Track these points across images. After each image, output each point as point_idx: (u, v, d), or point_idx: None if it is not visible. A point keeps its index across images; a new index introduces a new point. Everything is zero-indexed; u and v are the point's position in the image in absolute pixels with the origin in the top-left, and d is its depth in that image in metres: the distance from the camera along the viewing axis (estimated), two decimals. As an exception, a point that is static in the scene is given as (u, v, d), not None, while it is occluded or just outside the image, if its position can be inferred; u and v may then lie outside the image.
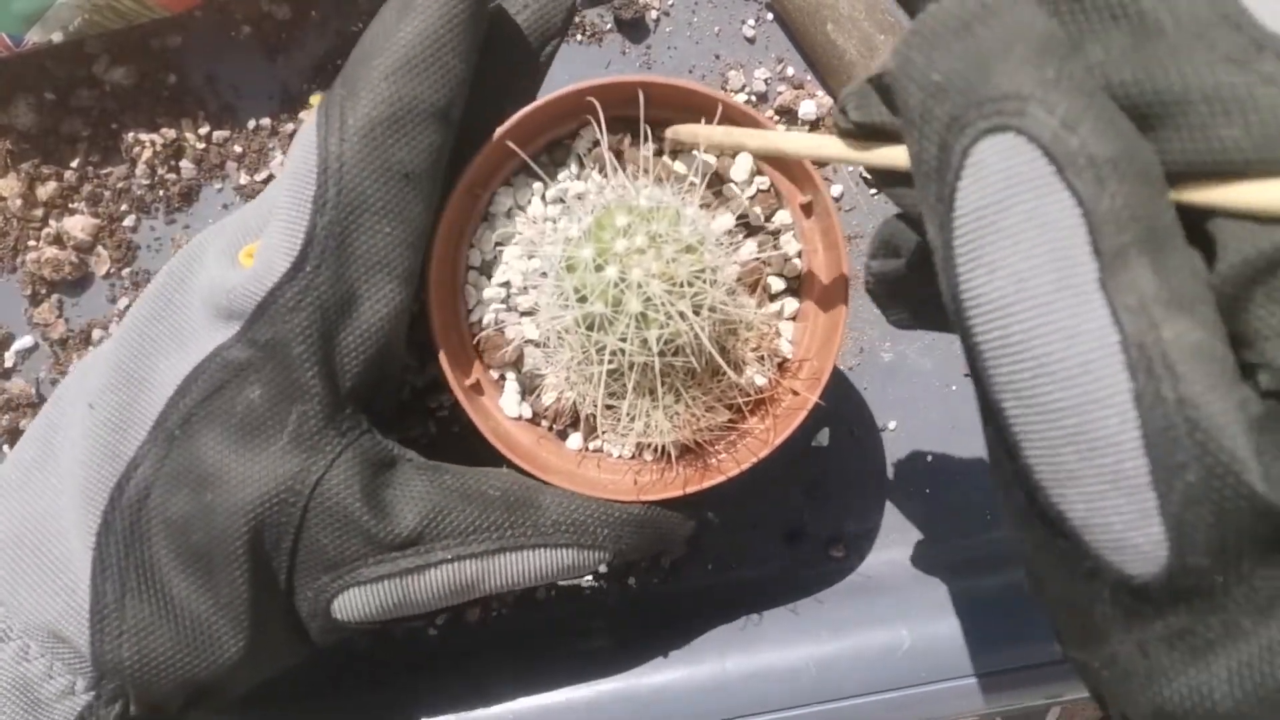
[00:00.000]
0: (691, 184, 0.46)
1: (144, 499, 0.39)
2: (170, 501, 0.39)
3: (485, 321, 0.48)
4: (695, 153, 0.47)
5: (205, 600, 0.40)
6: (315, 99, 0.42)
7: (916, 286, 0.36)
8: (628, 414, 0.44)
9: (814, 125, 0.56)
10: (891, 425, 0.57)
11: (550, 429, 0.49)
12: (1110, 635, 0.26)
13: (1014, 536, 0.28)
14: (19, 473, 0.42)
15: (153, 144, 0.55)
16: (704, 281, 0.41)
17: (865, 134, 0.33)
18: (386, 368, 0.43)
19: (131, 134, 0.55)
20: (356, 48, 0.41)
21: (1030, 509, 0.26)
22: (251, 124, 0.55)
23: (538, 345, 0.47)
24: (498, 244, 0.48)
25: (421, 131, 0.40)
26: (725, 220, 0.47)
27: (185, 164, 0.55)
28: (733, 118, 0.46)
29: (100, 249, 0.55)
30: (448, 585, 0.43)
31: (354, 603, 0.42)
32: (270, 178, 0.55)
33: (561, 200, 0.47)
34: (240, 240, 0.42)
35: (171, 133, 0.55)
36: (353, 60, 0.41)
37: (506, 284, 0.48)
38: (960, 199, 0.25)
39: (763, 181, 0.48)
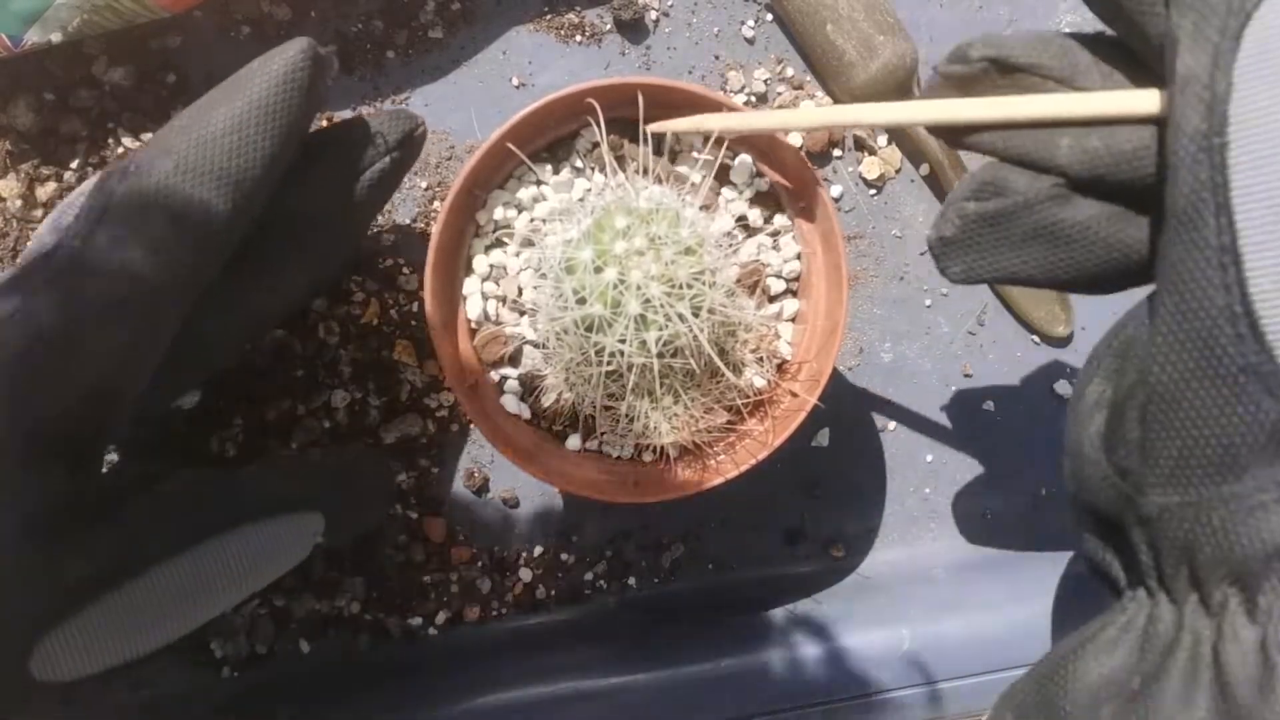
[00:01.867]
0: (692, 185, 0.46)
1: None
2: None
3: (484, 322, 0.48)
4: (695, 154, 0.47)
5: None
6: None
7: (1024, 220, 0.35)
8: (626, 415, 0.44)
9: (814, 125, 0.56)
10: (891, 426, 0.57)
11: (549, 430, 0.49)
12: (1251, 467, 0.26)
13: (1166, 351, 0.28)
14: None
15: (152, 144, 0.55)
16: (703, 283, 0.41)
17: (971, 80, 0.33)
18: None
19: (131, 134, 0.55)
20: (171, 129, 0.40)
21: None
22: (251, 124, 0.55)
23: (537, 346, 0.47)
24: (497, 245, 0.48)
25: (204, 193, 0.38)
26: (725, 222, 0.47)
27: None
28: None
29: (100, 249, 0.55)
30: (166, 591, 0.38)
31: (57, 652, 0.36)
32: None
33: (560, 201, 0.47)
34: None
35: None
36: (164, 136, 0.39)
37: (505, 284, 0.48)
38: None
39: (762, 183, 0.48)
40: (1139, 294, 0.57)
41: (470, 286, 0.48)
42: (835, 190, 0.56)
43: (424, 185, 0.56)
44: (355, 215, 0.46)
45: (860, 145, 0.56)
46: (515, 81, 0.56)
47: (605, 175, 0.46)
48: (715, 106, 0.45)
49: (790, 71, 0.56)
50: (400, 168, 0.46)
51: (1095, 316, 0.57)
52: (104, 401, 0.38)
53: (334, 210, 0.44)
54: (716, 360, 0.42)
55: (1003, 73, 0.32)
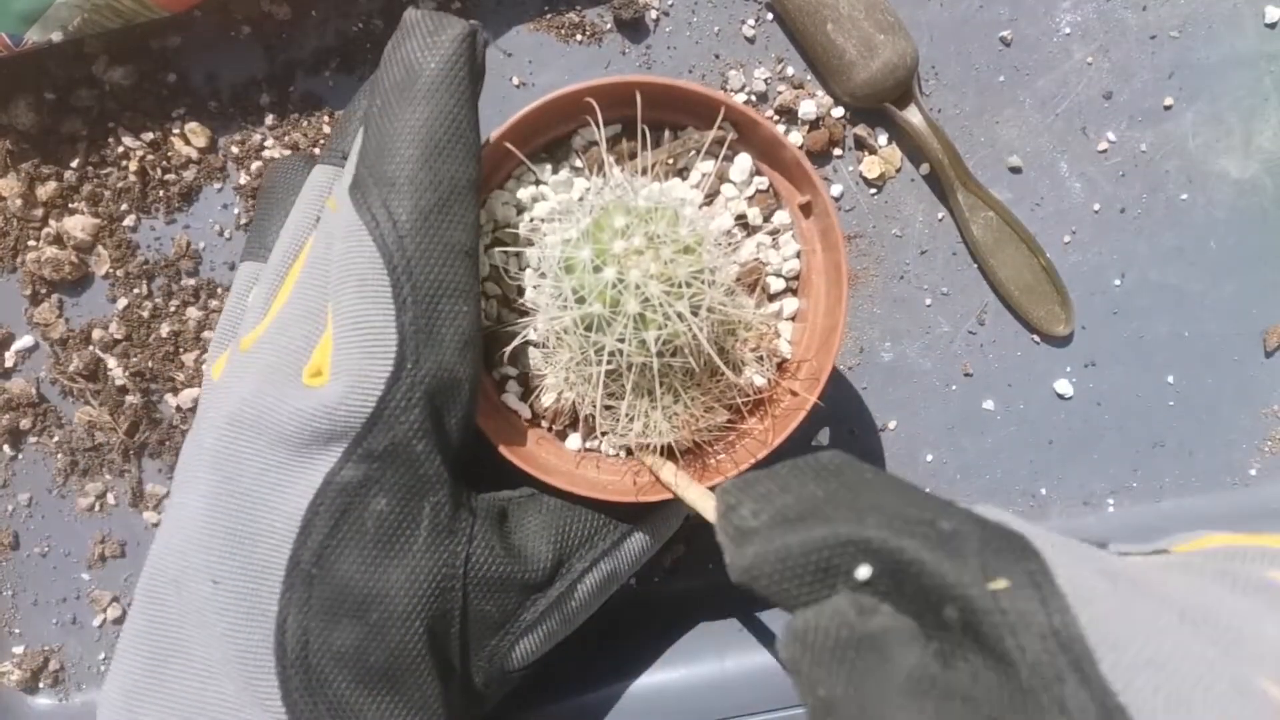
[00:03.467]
0: (692, 185, 0.46)
1: (304, 646, 0.38)
2: (333, 636, 0.39)
3: (484, 322, 0.48)
4: (696, 154, 0.47)
5: (400, 712, 0.40)
6: (331, 203, 0.43)
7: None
8: (626, 414, 0.44)
9: (814, 125, 0.56)
10: (891, 425, 0.57)
11: (549, 429, 0.49)
12: None
13: None
14: (145, 679, 0.40)
15: (153, 144, 0.55)
16: (702, 282, 0.41)
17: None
18: (472, 428, 0.43)
19: (131, 134, 0.55)
20: (369, 142, 0.40)
21: None
22: (251, 125, 0.55)
23: (537, 346, 0.47)
24: (496, 244, 0.48)
25: (465, 208, 0.40)
26: (724, 220, 0.47)
27: (185, 164, 0.55)
28: (733, 118, 0.47)
29: (100, 249, 0.55)
30: (593, 591, 0.45)
31: (526, 649, 0.43)
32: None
33: (560, 201, 0.47)
34: (290, 364, 0.41)
35: (174, 132, 0.55)
36: (370, 154, 0.40)
37: (505, 284, 0.48)
38: None
39: (761, 182, 0.48)
40: (1139, 294, 0.57)
41: (470, 286, 0.48)
42: (835, 189, 0.56)
43: (424, 185, 0.56)
44: None
45: (861, 145, 0.56)
46: (515, 81, 0.56)
47: (603, 174, 0.46)
48: (715, 105, 0.45)
49: (790, 70, 0.56)
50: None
51: (1095, 316, 0.57)
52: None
53: None
54: (716, 359, 0.42)
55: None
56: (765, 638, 0.53)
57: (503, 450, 0.45)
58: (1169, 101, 0.57)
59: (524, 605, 0.43)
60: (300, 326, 0.41)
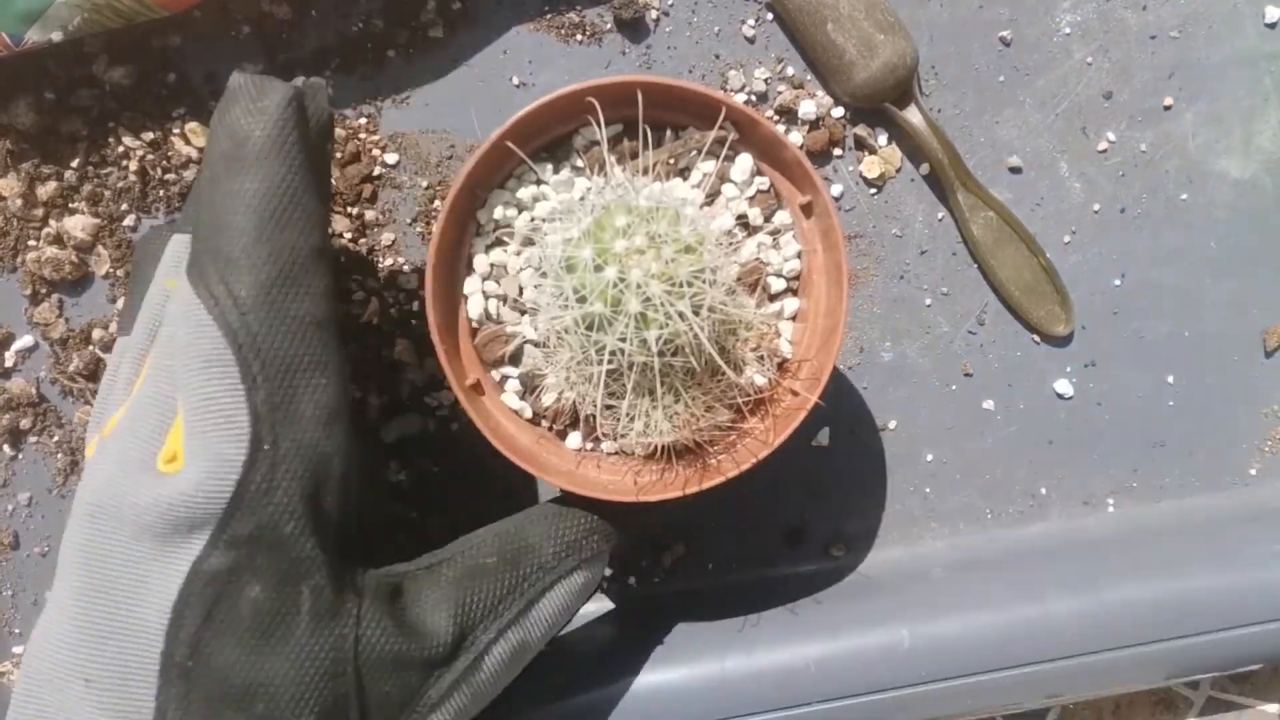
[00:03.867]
0: (693, 184, 0.46)
1: None
2: None
3: (485, 321, 0.48)
4: (697, 154, 0.47)
5: None
6: (171, 283, 0.41)
7: None
8: (627, 414, 0.44)
9: (814, 125, 0.56)
10: (892, 425, 0.57)
11: (550, 429, 0.49)
12: None
13: None
14: None
15: (154, 144, 0.55)
16: (703, 282, 0.41)
17: None
18: (354, 502, 0.41)
19: (131, 134, 0.55)
20: (201, 216, 0.39)
21: None
22: (251, 124, 0.55)
23: (537, 345, 0.47)
24: (497, 244, 0.48)
25: (313, 277, 0.39)
26: (725, 220, 0.47)
27: (185, 164, 0.55)
28: (733, 118, 0.47)
29: (100, 249, 0.55)
30: (503, 662, 0.43)
31: None
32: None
33: (561, 200, 0.47)
34: (145, 450, 0.39)
35: (174, 132, 0.55)
36: (204, 230, 0.39)
37: (506, 283, 0.48)
38: None
39: (762, 182, 0.48)
40: (1139, 294, 0.57)
41: (471, 286, 0.48)
42: (835, 189, 0.56)
43: (424, 184, 0.56)
44: None
45: (861, 144, 0.56)
46: (516, 81, 0.56)
47: (604, 173, 0.46)
48: (716, 105, 0.46)
49: (790, 70, 0.56)
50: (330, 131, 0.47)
51: (1095, 316, 0.57)
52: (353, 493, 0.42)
53: None
54: (717, 359, 0.42)
55: None
56: (765, 638, 0.53)
57: (502, 450, 0.45)
58: (1169, 101, 0.57)
59: (427, 682, 0.40)
60: (153, 410, 0.40)
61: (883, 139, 0.57)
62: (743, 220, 0.48)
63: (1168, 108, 0.57)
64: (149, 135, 0.55)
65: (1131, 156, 0.57)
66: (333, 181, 0.51)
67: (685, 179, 0.48)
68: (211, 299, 0.38)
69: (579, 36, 0.56)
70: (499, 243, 0.48)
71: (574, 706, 0.51)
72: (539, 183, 0.48)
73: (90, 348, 0.55)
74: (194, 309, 0.38)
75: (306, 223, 0.39)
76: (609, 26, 0.56)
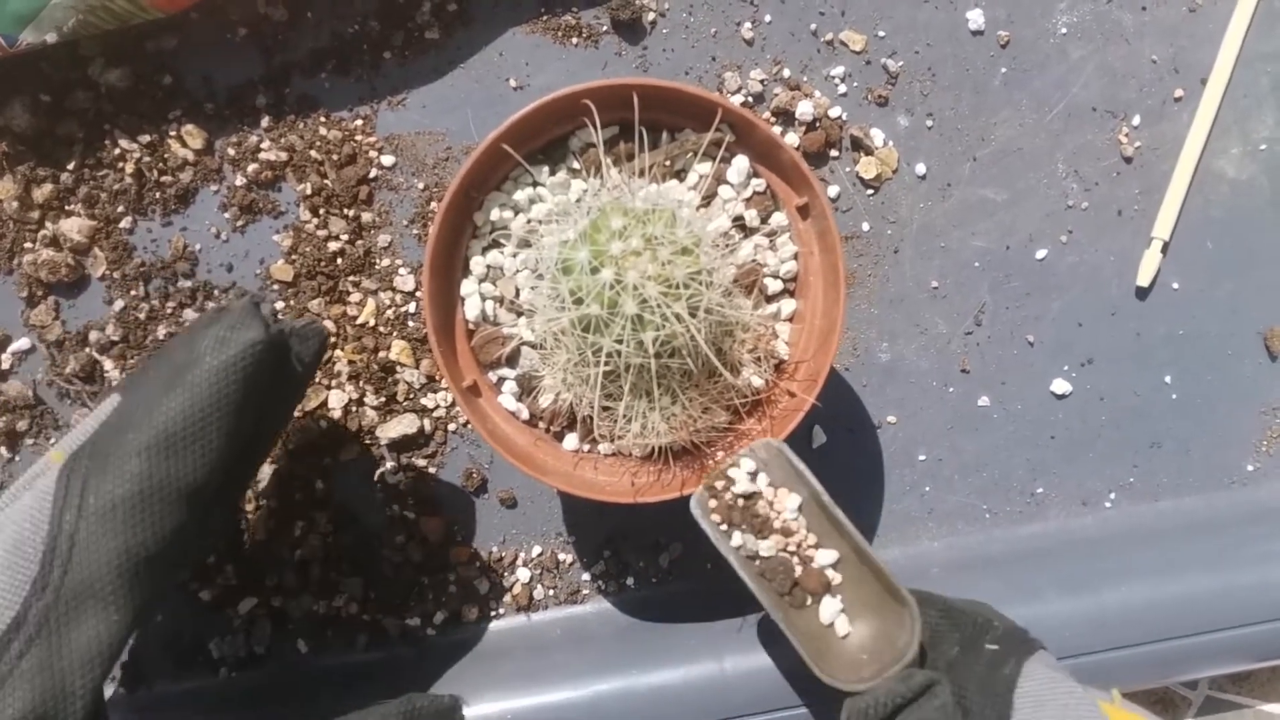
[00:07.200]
0: (689, 186, 0.46)
1: None
2: None
3: (482, 323, 0.48)
4: (693, 156, 0.47)
5: None
6: (56, 455, 0.39)
7: None
8: (624, 415, 0.44)
9: (811, 126, 0.56)
10: (889, 424, 0.57)
11: (547, 430, 0.49)
12: None
13: None
14: None
15: (149, 146, 0.55)
16: (700, 283, 0.41)
17: None
18: None
19: (127, 136, 0.55)
20: (113, 415, 0.39)
21: None
22: (247, 127, 0.55)
23: (534, 347, 0.47)
24: (494, 246, 0.48)
25: (169, 512, 0.38)
26: (721, 222, 0.47)
27: (181, 166, 0.55)
28: (730, 119, 0.47)
29: (96, 251, 0.55)
30: None
31: None
32: (260, 185, 0.55)
33: (557, 203, 0.47)
34: None
35: (170, 134, 0.55)
36: (106, 428, 0.38)
37: (502, 285, 0.48)
38: None
39: (759, 183, 0.48)
40: (1136, 293, 0.57)
41: (468, 288, 0.48)
42: (832, 190, 0.56)
43: (421, 186, 0.56)
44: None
45: (857, 145, 0.56)
46: (512, 83, 0.56)
47: (600, 176, 0.46)
48: (712, 107, 0.45)
49: (787, 73, 0.56)
50: (314, 372, 0.49)
51: (1093, 315, 0.57)
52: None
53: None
54: (714, 360, 0.42)
55: None
56: (763, 639, 0.53)
57: (499, 451, 0.45)
58: (1165, 102, 0.57)
59: None
60: None
61: (880, 139, 0.56)
62: (739, 222, 0.48)
63: (1164, 108, 0.57)
64: (145, 137, 0.55)
65: (1128, 157, 0.57)
66: (294, 408, 0.52)
67: (682, 181, 0.48)
68: (63, 493, 0.37)
69: (575, 38, 0.56)
70: (495, 244, 0.48)
71: (575, 706, 0.51)
72: (535, 185, 0.48)
73: (87, 350, 0.55)
74: (45, 492, 0.38)
75: (198, 460, 0.38)
76: (605, 28, 0.56)
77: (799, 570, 0.45)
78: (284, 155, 0.55)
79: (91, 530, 0.37)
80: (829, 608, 0.46)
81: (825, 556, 0.46)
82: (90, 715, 0.37)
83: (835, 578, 0.46)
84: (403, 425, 0.54)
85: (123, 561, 0.37)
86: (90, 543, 0.37)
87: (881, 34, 0.57)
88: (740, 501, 0.45)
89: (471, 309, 0.48)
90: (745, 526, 0.45)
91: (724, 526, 0.45)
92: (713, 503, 0.45)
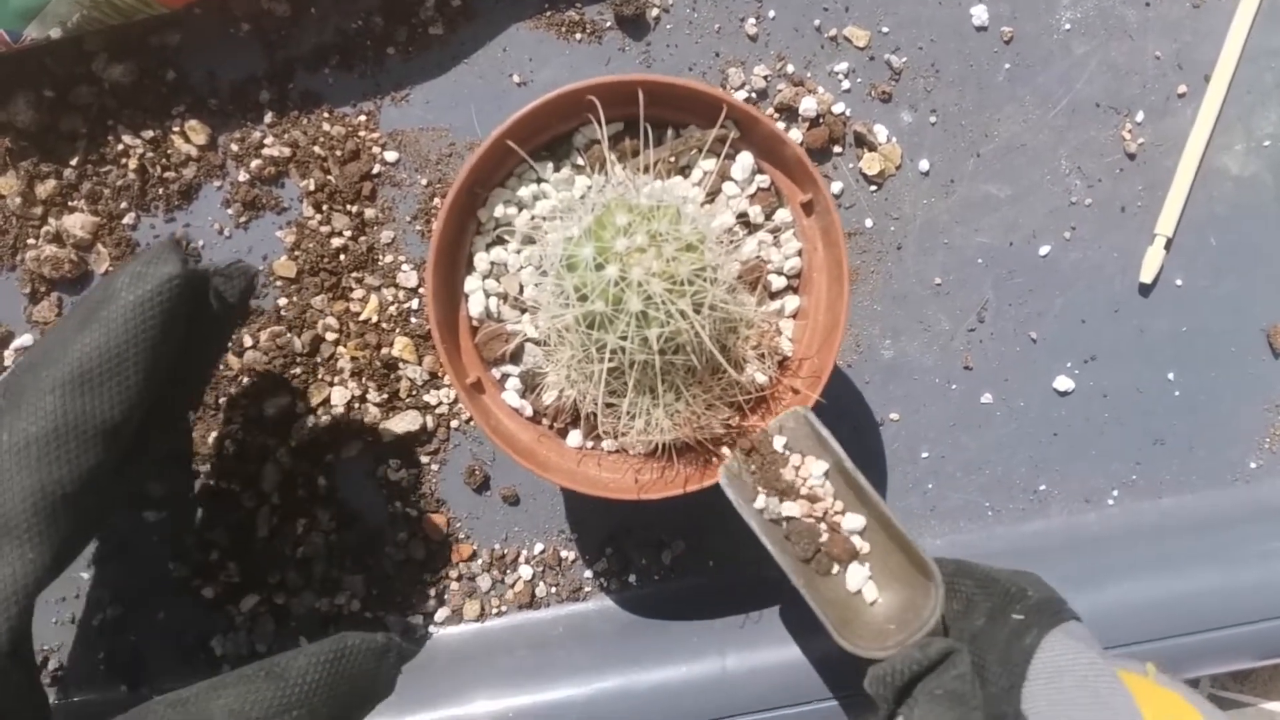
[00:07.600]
0: (694, 183, 0.46)
1: None
2: None
3: (485, 320, 0.48)
4: (698, 152, 0.47)
5: None
6: None
7: None
8: (628, 412, 0.44)
9: (814, 122, 0.56)
10: (892, 421, 0.57)
11: (551, 427, 0.49)
12: None
13: None
14: None
15: (153, 142, 0.55)
16: (704, 280, 0.41)
17: None
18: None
19: (131, 132, 0.54)
20: (28, 352, 0.38)
21: None
22: (250, 122, 0.55)
23: (538, 343, 0.47)
24: (498, 242, 0.48)
25: (86, 450, 0.37)
26: (726, 218, 0.47)
27: (185, 161, 0.55)
28: (734, 116, 0.46)
29: (100, 247, 0.55)
30: None
31: None
32: (263, 181, 0.55)
33: (561, 199, 0.47)
34: None
35: (173, 129, 0.55)
36: (20, 366, 0.38)
37: (506, 281, 0.48)
38: None
39: (763, 180, 0.48)
40: (1139, 290, 0.57)
41: (471, 284, 0.48)
42: (836, 186, 0.56)
43: (424, 182, 0.55)
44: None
45: (861, 141, 0.56)
46: (516, 79, 0.56)
47: (605, 172, 0.46)
48: (717, 103, 0.45)
49: (790, 68, 0.56)
50: (242, 314, 0.49)
51: (1096, 312, 0.57)
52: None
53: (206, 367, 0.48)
54: (718, 357, 0.42)
55: None
56: (766, 636, 0.53)
57: (502, 448, 0.45)
58: (1169, 98, 0.57)
59: None
60: None
61: (883, 135, 0.56)
62: (743, 218, 0.48)
63: (1168, 104, 0.57)
64: (148, 133, 0.55)
65: (1132, 153, 0.57)
66: (236, 331, 0.53)
67: (686, 177, 0.48)
68: None
69: (579, 34, 0.56)
70: (499, 241, 0.48)
71: (576, 703, 0.52)
72: (539, 181, 0.48)
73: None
74: None
75: (115, 396, 0.38)
76: (609, 24, 0.56)
77: (825, 536, 0.45)
78: (287, 151, 0.55)
79: (5, 467, 0.36)
80: (856, 574, 0.45)
81: (852, 522, 0.46)
82: (8, 655, 0.37)
83: (863, 546, 0.46)
84: (405, 422, 0.54)
85: (38, 499, 0.37)
86: (4, 480, 0.36)
87: (885, 30, 0.57)
88: (765, 466, 0.45)
89: (475, 305, 0.48)
90: (769, 490, 0.45)
91: (753, 490, 0.45)
92: (743, 470, 0.45)
